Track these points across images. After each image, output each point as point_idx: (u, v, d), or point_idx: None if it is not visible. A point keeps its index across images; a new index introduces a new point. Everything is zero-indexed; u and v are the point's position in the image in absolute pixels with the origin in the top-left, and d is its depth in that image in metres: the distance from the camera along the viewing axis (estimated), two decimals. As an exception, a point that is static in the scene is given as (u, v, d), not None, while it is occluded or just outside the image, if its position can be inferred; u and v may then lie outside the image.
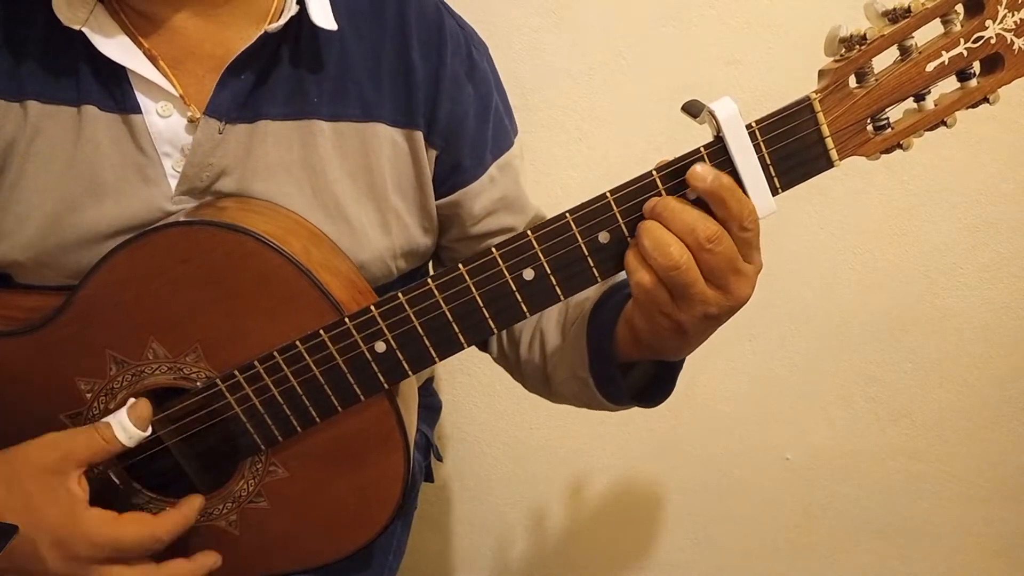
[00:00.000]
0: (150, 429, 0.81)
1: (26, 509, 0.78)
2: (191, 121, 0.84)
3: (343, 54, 0.88)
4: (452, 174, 0.95)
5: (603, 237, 0.72)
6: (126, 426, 0.79)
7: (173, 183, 0.85)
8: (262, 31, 0.83)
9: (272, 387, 0.80)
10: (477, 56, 0.96)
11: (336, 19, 0.86)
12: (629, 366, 0.88)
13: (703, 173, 0.69)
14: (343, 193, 0.89)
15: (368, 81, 0.89)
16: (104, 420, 0.80)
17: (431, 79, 0.91)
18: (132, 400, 0.81)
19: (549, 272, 0.74)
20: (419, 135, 0.91)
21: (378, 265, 0.92)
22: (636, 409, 0.90)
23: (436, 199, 0.95)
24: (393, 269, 0.94)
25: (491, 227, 0.99)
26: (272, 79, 0.86)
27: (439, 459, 1.28)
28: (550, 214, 0.75)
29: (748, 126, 0.69)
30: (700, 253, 0.70)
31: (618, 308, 0.83)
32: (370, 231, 0.91)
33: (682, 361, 0.88)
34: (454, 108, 0.92)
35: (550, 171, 1.39)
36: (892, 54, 0.69)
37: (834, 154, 0.71)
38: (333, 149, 0.88)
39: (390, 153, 0.91)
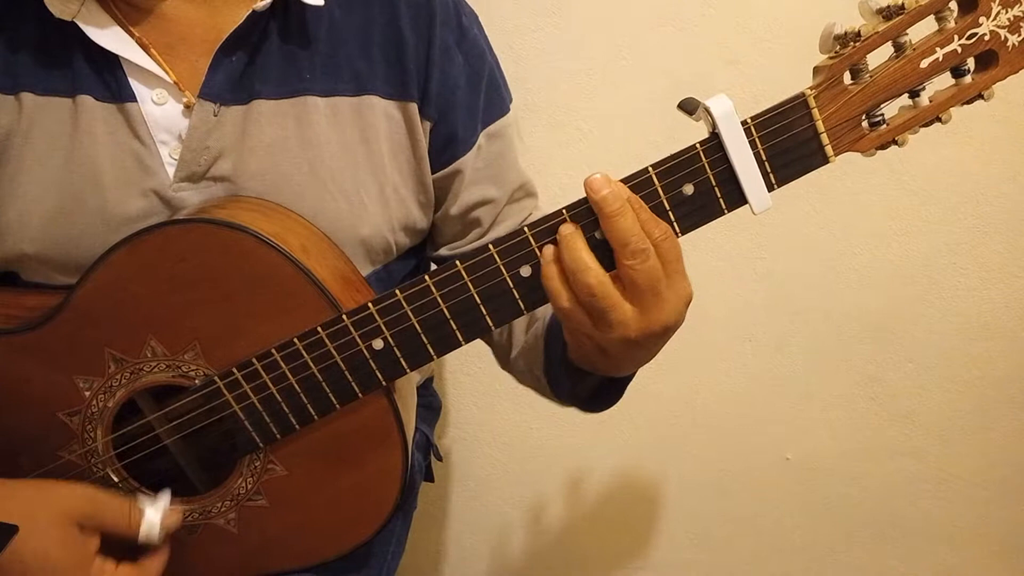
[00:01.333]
0: (161, 537, 0.83)
1: (42, 547, 0.78)
2: (187, 107, 0.85)
3: (332, 29, 0.89)
4: (448, 146, 0.95)
5: (599, 234, 0.72)
6: (152, 526, 0.81)
7: (171, 171, 0.86)
8: (250, 11, 0.83)
9: (270, 385, 0.80)
10: (467, 23, 0.96)
11: None
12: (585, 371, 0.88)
13: (599, 184, 0.70)
14: (341, 169, 0.89)
15: (359, 54, 0.89)
16: (140, 507, 0.81)
17: (422, 50, 0.91)
18: (168, 506, 0.83)
19: None
20: (413, 107, 0.92)
21: (378, 239, 0.92)
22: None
23: (433, 172, 0.96)
24: (393, 244, 0.94)
25: (471, 199, 0.98)
26: (263, 58, 0.87)
27: (439, 459, 1.28)
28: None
29: (743, 122, 0.69)
30: (622, 268, 0.70)
31: None
32: (369, 205, 0.91)
33: (630, 377, 0.88)
34: (446, 79, 0.93)
35: (550, 171, 1.39)
36: (887, 51, 0.69)
37: (829, 150, 0.71)
38: (329, 125, 0.89)
39: (385, 126, 0.91)
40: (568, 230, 0.72)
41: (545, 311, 0.93)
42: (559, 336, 0.85)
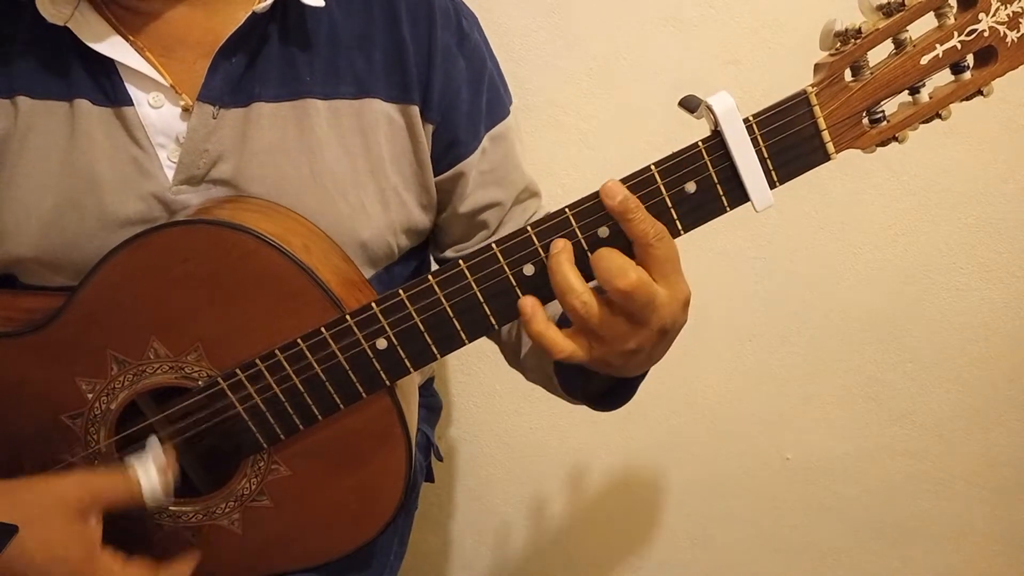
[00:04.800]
0: (172, 497, 0.82)
1: (46, 541, 0.78)
2: (184, 110, 0.85)
3: (332, 31, 0.89)
4: (450, 148, 0.95)
5: (602, 232, 0.73)
6: (152, 482, 0.80)
7: (170, 173, 0.86)
8: (250, 12, 0.83)
9: (274, 385, 0.80)
10: (467, 27, 0.96)
11: None
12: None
13: (614, 190, 0.71)
14: (342, 172, 0.89)
15: (360, 57, 0.89)
16: (133, 473, 0.81)
17: (423, 53, 0.91)
18: (157, 454, 0.82)
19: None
20: (415, 110, 0.92)
21: (379, 243, 0.92)
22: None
23: (436, 175, 0.96)
24: (394, 246, 0.94)
25: (478, 203, 0.99)
26: (263, 61, 0.87)
27: (439, 459, 1.28)
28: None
29: (745, 120, 0.69)
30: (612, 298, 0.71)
31: None
32: (370, 208, 0.91)
33: (642, 376, 0.87)
34: (448, 81, 0.93)
35: (550, 171, 1.40)
36: (887, 48, 0.70)
37: (831, 147, 0.71)
38: (329, 128, 0.89)
39: (386, 129, 0.91)
40: (557, 248, 0.72)
41: (553, 309, 0.93)
42: None
